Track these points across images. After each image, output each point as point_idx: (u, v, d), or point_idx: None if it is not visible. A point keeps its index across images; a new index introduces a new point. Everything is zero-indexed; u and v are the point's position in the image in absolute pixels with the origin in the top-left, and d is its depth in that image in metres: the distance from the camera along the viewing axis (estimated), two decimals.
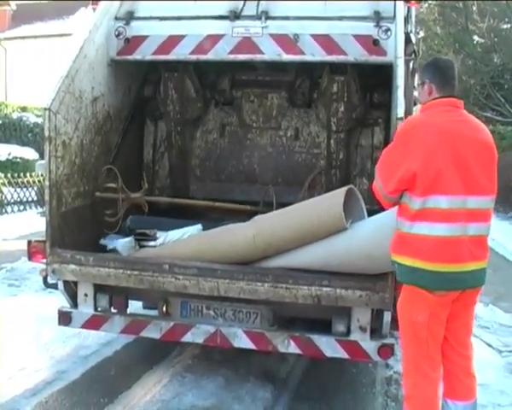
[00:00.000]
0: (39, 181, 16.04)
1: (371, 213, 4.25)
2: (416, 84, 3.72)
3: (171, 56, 5.05)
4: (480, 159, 3.34)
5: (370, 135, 5.50)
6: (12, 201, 15.84)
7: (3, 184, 15.49)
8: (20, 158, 18.76)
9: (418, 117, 3.47)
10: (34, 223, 11.17)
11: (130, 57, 5.11)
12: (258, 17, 4.85)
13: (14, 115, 23.21)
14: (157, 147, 5.92)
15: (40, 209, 15.30)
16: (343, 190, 4.09)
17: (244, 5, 4.92)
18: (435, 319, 3.35)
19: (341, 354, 4.21)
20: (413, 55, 5.30)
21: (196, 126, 5.87)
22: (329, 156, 5.50)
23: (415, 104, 6.53)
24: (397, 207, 3.46)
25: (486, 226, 3.38)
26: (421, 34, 23.95)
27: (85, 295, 4.57)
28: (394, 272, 3.52)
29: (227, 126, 5.85)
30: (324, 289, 3.98)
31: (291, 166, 5.65)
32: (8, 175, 16.11)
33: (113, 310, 4.65)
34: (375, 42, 4.63)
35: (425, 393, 3.41)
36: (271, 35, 4.80)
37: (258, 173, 5.71)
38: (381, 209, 4.26)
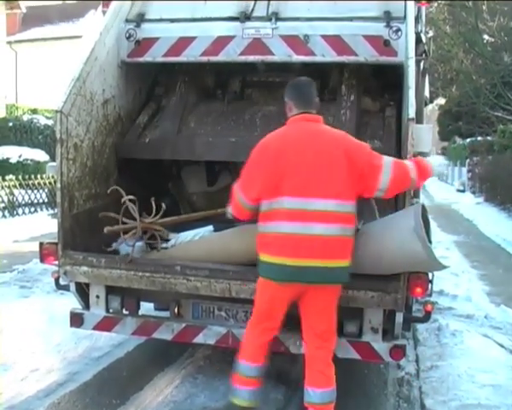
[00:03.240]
0: (50, 183, 16.15)
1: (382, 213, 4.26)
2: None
3: (182, 58, 5.07)
4: (326, 165, 3.65)
5: (382, 118, 5.21)
6: (23, 203, 15.94)
7: (14, 186, 15.59)
8: (31, 160, 18.82)
9: (274, 132, 3.87)
10: (45, 225, 11.26)
11: (140, 59, 5.13)
12: (268, 18, 4.85)
13: (25, 117, 23.34)
14: (154, 120, 5.56)
15: (51, 211, 15.41)
16: None
17: (254, 6, 4.93)
18: (276, 300, 3.77)
19: (353, 354, 4.22)
20: (424, 55, 5.28)
21: (200, 99, 5.69)
22: (339, 100, 5.19)
23: (426, 104, 6.47)
24: (410, 206, 3.82)
25: (338, 228, 3.62)
26: (431, 34, 23.85)
27: (97, 296, 4.60)
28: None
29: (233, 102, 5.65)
30: None
31: None
32: (19, 177, 16.19)
33: (124, 312, 4.67)
34: (386, 42, 4.63)
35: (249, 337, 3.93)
36: (282, 36, 4.80)
37: (259, 125, 5.28)
38: (392, 209, 4.27)
